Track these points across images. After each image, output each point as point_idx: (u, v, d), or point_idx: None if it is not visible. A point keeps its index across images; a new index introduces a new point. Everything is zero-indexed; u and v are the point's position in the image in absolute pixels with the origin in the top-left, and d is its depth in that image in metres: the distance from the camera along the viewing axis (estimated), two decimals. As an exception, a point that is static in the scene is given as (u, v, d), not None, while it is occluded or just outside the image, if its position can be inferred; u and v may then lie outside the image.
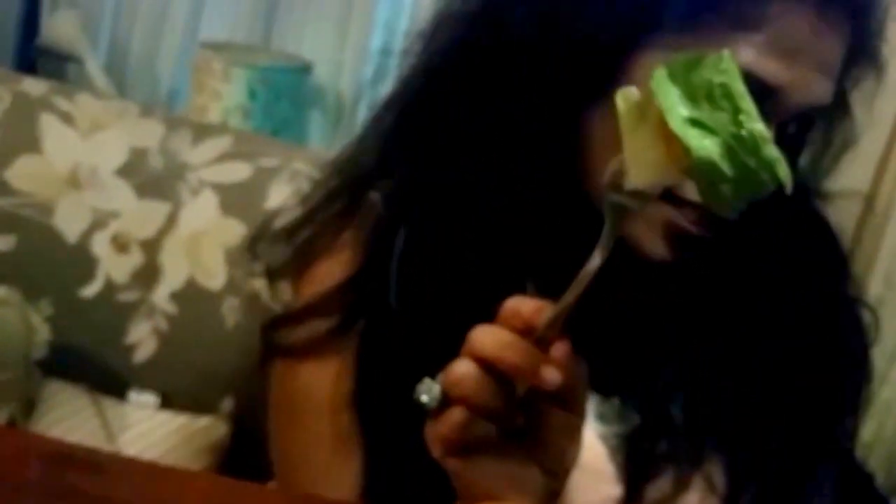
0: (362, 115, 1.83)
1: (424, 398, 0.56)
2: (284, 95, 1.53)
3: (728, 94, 0.50)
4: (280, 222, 0.79)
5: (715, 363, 0.70)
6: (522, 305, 0.57)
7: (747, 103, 0.50)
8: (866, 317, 0.75)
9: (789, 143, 0.67)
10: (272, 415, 0.76)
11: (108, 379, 1.11)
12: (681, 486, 0.68)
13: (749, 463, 0.70)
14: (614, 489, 0.69)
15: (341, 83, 1.82)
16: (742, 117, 0.49)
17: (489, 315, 0.59)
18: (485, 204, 0.68)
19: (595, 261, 0.55)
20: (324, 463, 0.71)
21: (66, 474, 0.58)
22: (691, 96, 0.50)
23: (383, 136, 0.74)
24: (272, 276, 0.79)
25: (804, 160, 0.72)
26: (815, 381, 0.72)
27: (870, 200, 1.44)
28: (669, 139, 0.50)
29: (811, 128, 0.70)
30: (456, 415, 0.56)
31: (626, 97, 0.53)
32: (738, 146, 0.49)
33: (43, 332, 1.12)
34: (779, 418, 0.71)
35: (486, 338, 0.57)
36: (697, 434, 0.69)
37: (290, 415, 0.74)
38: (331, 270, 0.72)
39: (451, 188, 0.69)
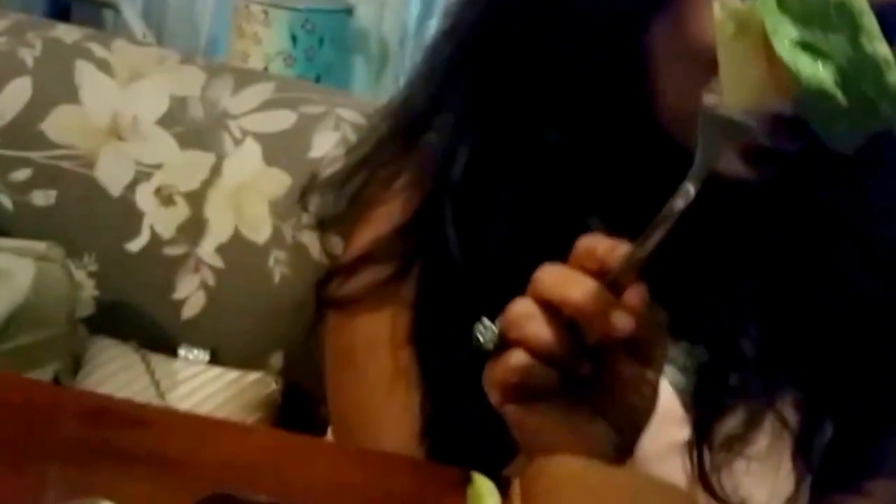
0: (407, 59, 1.78)
1: (480, 339, 0.53)
2: (326, 39, 1.48)
3: (846, 13, 0.42)
4: (329, 171, 0.76)
5: (791, 296, 0.67)
6: (598, 244, 0.53)
7: (870, 20, 0.42)
8: None
9: None
10: (328, 368, 0.73)
11: (156, 335, 1.10)
12: (752, 424, 0.65)
13: (825, 399, 0.67)
14: (683, 432, 0.66)
15: (384, 26, 1.77)
16: (863, 39, 0.42)
17: (553, 252, 0.55)
18: (546, 134, 0.64)
19: (684, 198, 0.51)
20: (382, 407, 0.69)
21: (105, 429, 0.57)
22: (803, 15, 0.43)
23: (438, 72, 0.70)
24: (323, 227, 0.76)
25: None
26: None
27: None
28: (774, 58, 0.44)
29: None
30: (513, 358, 0.53)
31: (724, 5, 0.46)
32: (856, 72, 0.43)
33: (88, 289, 1.10)
34: (858, 355, 0.67)
35: (552, 277, 0.53)
36: (770, 367, 0.66)
37: (348, 363, 0.71)
38: (387, 215, 0.69)
39: (511, 120, 0.65)
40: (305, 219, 0.79)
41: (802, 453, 0.67)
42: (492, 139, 0.66)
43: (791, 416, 0.66)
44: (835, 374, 0.67)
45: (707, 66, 0.52)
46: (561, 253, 0.56)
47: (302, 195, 0.77)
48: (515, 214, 0.65)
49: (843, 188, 0.65)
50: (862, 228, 0.67)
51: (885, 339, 0.67)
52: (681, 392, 0.66)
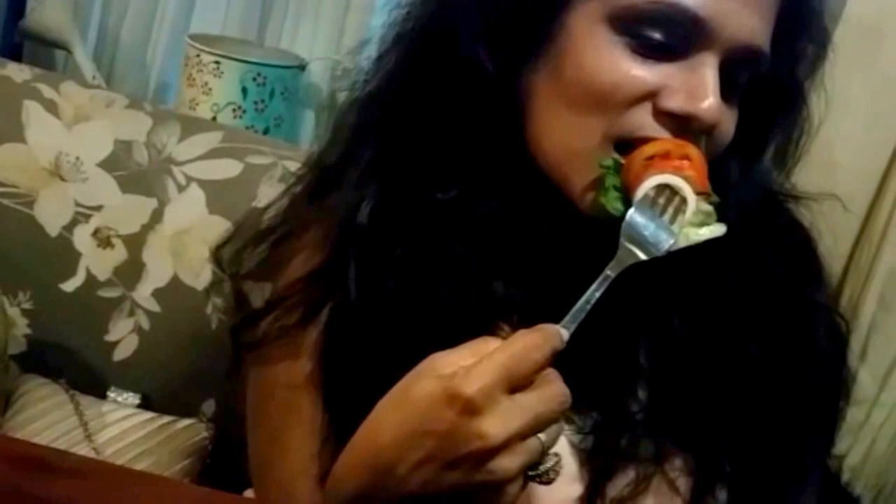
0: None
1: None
2: (278, 93, 1.50)
3: None
4: (262, 222, 0.78)
5: (680, 362, 0.69)
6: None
7: None
8: (840, 323, 0.74)
9: (753, 134, 0.67)
10: (248, 414, 0.75)
11: (87, 377, 1.09)
12: (641, 485, 0.67)
13: (714, 465, 0.69)
14: (574, 489, 0.67)
15: (336, 83, 1.78)
16: None
17: (447, 304, 0.63)
18: (438, 190, 0.68)
19: (602, 283, 0.58)
20: (287, 427, 0.70)
21: (29, 478, 0.58)
22: None
23: (347, 133, 0.74)
24: (254, 276, 0.77)
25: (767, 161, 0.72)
26: (784, 384, 0.70)
27: (868, 219, 1.42)
28: None
29: (776, 117, 0.70)
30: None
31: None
32: None
33: (21, 326, 1.10)
34: (747, 421, 0.69)
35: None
36: (659, 431, 0.68)
37: (261, 408, 0.73)
38: (299, 264, 0.72)
39: (408, 177, 0.69)
40: (218, 273, 0.80)
41: None
42: (390, 194, 0.69)
43: (682, 481, 0.68)
44: (723, 439, 0.69)
45: (580, 108, 0.61)
46: (454, 305, 0.61)
47: (216, 250, 0.78)
48: (410, 266, 0.68)
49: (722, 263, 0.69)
50: (743, 301, 0.70)
51: (771, 407, 0.70)
52: (577, 449, 0.68)
